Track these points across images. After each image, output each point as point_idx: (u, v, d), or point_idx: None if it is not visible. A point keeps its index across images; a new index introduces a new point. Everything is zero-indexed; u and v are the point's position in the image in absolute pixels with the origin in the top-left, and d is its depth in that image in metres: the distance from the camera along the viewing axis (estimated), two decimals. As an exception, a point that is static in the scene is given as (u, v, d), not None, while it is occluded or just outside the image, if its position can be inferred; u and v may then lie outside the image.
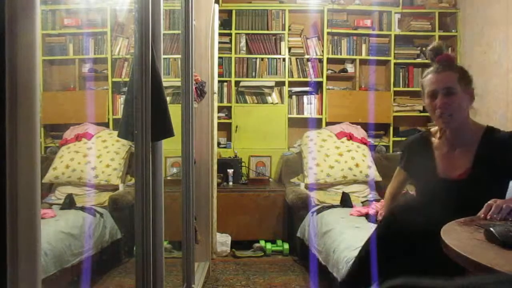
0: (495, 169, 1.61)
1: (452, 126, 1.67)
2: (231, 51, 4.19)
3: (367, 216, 2.91)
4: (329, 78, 4.23)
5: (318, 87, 4.24)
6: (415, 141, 1.89)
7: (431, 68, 1.71)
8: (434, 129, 1.83)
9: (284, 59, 4.22)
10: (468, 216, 1.35)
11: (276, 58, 4.22)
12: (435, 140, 1.79)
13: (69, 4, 4.12)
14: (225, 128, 4.23)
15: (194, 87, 2.44)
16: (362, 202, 3.46)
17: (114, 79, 4.01)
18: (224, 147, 4.16)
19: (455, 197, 1.55)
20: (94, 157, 3.45)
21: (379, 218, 2.67)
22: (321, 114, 4.20)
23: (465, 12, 4.01)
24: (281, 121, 4.18)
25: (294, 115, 4.23)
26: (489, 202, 1.36)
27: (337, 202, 3.34)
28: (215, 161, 3.31)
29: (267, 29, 4.21)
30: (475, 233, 1.16)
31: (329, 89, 4.21)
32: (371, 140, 3.93)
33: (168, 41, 3.73)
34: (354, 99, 4.15)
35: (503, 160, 1.60)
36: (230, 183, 3.87)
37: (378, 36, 4.13)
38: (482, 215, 1.34)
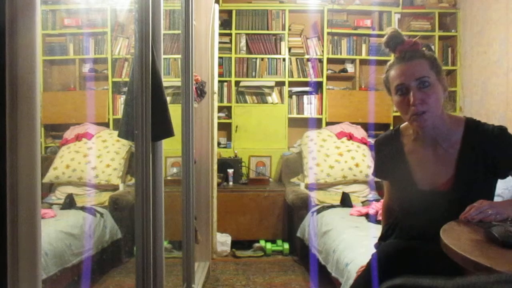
0: (482, 171, 1.38)
1: (428, 125, 1.37)
2: (231, 51, 4.19)
3: (367, 216, 2.91)
4: (329, 78, 4.23)
5: (318, 87, 4.24)
6: (385, 142, 1.57)
7: (394, 60, 1.43)
8: (404, 125, 1.54)
9: (284, 59, 4.22)
10: None
11: (276, 58, 4.22)
12: (407, 142, 1.50)
13: (69, 4, 4.12)
14: (225, 128, 4.23)
15: (194, 87, 2.44)
16: (362, 202, 3.46)
17: (114, 79, 4.01)
18: (224, 147, 4.16)
19: (440, 211, 1.33)
20: (94, 157, 3.45)
21: (379, 218, 2.68)
22: (321, 114, 4.20)
23: (465, 12, 4.01)
24: (281, 121, 4.18)
25: (294, 115, 4.23)
26: (474, 203, 1.26)
27: (337, 202, 3.34)
28: (215, 161, 3.32)
29: (267, 29, 4.21)
30: (475, 233, 1.16)
31: (329, 89, 4.21)
32: (371, 140, 3.93)
33: (168, 41, 3.73)
34: (354, 99, 4.15)
35: (490, 158, 1.37)
36: (230, 183, 3.87)
37: (378, 36, 4.12)
38: (463, 217, 1.25)
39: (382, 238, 1.59)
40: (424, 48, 1.44)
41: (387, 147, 1.56)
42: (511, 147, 1.38)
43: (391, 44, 1.43)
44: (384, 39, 1.45)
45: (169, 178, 3.58)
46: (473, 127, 1.42)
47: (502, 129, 1.40)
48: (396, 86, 1.39)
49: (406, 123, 1.50)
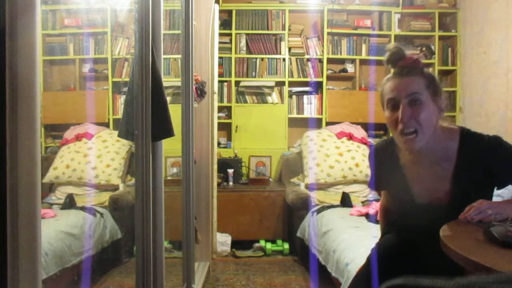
0: (479, 183, 1.37)
1: (417, 147, 1.35)
2: (231, 51, 4.19)
3: (367, 216, 2.91)
4: (329, 78, 4.23)
5: (318, 87, 4.24)
6: (381, 154, 1.54)
7: (391, 74, 1.40)
8: None
9: (284, 59, 4.22)
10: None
11: (276, 58, 4.22)
12: (402, 155, 1.46)
13: (69, 4, 4.12)
14: (225, 128, 4.23)
15: (194, 87, 2.44)
16: (362, 202, 3.46)
17: (114, 79, 4.01)
18: (224, 147, 4.16)
19: (438, 224, 1.27)
20: (95, 157, 3.45)
21: (379, 218, 2.68)
22: (321, 114, 4.20)
23: (465, 12, 4.01)
24: (281, 121, 4.18)
25: (294, 115, 4.23)
26: (474, 203, 1.27)
27: (337, 202, 3.34)
28: (215, 161, 3.32)
29: (267, 29, 4.21)
30: (475, 233, 1.16)
31: (329, 89, 4.21)
32: (371, 140, 3.93)
33: (168, 41, 3.73)
34: (354, 99, 4.15)
35: (488, 170, 1.36)
36: (230, 183, 3.87)
37: (378, 36, 4.13)
38: (463, 217, 1.26)
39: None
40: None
41: (382, 159, 1.53)
42: (507, 157, 1.36)
43: (392, 60, 1.40)
44: (386, 56, 1.42)
45: (169, 178, 3.58)
46: (468, 139, 1.40)
47: (498, 140, 1.38)
48: (387, 100, 1.37)
49: None
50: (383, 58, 1.44)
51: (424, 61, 1.45)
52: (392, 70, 1.43)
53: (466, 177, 1.37)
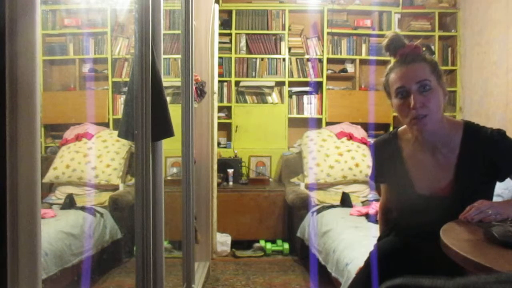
0: (482, 175, 1.38)
1: (428, 129, 1.36)
2: (231, 51, 4.19)
3: (367, 216, 2.91)
4: (329, 78, 4.23)
5: (318, 87, 4.24)
6: (383, 146, 1.55)
7: (394, 63, 1.42)
8: (401, 129, 1.53)
9: (284, 59, 4.22)
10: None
11: (276, 58, 4.22)
12: (405, 146, 1.49)
13: (69, 4, 4.12)
14: (225, 128, 4.23)
15: (194, 87, 2.44)
16: (362, 202, 3.46)
17: (114, 79, 4.01)
18: (224, 147, 4.16)
19: (439, 216, 1.29)
20: (94, 157, 3.45)
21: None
22: (321, 114, 4.20)
23: (465, 12, 4.01)
24: (281, 121, 4.18)
25: (294, 115, 4.23)
26: (474, 203, 1.27)
27: (337, 202, 3.34)
28: (215, 161, 3.32)
29: (267, 29, 4.21)
30: (475, 233, 1.16)
31: (329, 89, 4.21)
32: (371, 140, 3.93)
33: (168, 41, 3.73)
34: (354, 99, 4.15)
35: (490, 163, 1.37)
36: (230, 183, 3.87)
37: (378, 36, 4.12)
38: (463, 217, 1.25)
39: (380, 240, 1.58)
40: (424, 48, 1.43)
41: (385, 151, 1.54)
42: (510, 150, 1.37)
43: (391, 47, 1.42)
44: (384, 43, 1.44)
45: (169, 178, 3.58)
46: (472, 131, 1.41)
47: (501, 133, 1.39)
48: (396, 89, 1.38)
49: (403, 126, 1.50)
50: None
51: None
52: (392, 60, 1.45)
53: (468, 167, 1.38)
